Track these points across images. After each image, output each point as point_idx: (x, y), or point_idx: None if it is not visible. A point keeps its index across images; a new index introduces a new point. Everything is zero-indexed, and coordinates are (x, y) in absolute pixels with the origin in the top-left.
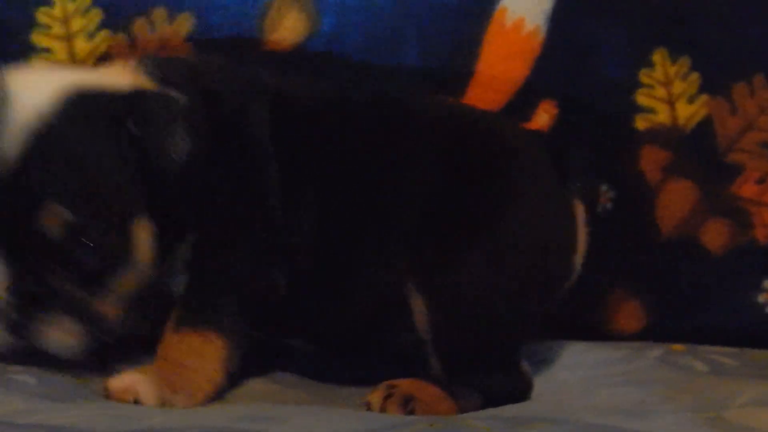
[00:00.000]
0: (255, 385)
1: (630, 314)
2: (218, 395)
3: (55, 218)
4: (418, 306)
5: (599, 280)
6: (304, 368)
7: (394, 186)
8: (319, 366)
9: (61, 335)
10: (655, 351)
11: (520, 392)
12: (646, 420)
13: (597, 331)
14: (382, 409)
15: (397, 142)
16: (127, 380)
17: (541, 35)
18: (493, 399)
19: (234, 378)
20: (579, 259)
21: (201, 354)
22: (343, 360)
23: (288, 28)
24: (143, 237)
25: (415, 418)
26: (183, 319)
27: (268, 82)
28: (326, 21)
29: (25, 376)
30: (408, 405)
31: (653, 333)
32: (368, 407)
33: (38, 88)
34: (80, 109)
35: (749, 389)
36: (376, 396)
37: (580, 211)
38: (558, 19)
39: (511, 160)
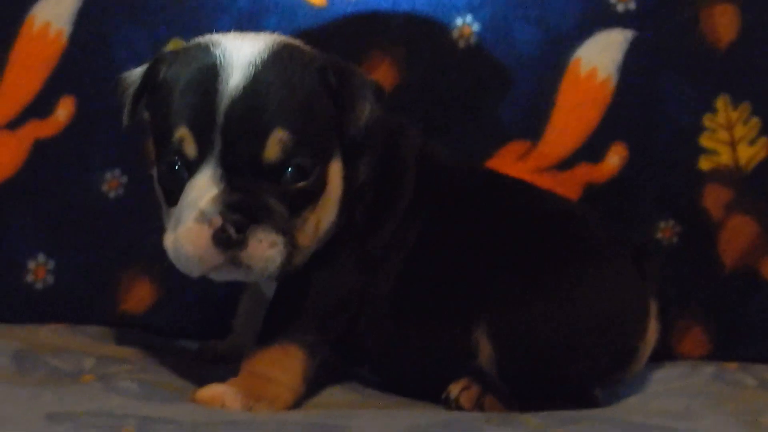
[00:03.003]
0: (336, 394)
1: (695, 340)
2: (299, 403)
3: (280, 143)
4: (486, 347)
5: (667, 309)
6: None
7: (483, 251)
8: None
9: (267, 250)
10: (710, 368)
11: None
12: (688, 421)
13: (664, 355)
14: (457, 399)
15: (503, 219)
16: (214, 390)
17: (613, 84)
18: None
19: (316, 388)
20: (646, 348)
21: (282, 366)
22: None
23: None
24: (336, 175)
25: (472, 415)
26: (266, 333)
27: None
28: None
29: (128, 383)
30: (479, 400)
31: (716, 358)
32: (447, 394)
33: (249, 43)
34: (289, 57)
35: None
36: (456, 387)
37: (653, 306)
38: (628, 70)
39: (589, 246)
